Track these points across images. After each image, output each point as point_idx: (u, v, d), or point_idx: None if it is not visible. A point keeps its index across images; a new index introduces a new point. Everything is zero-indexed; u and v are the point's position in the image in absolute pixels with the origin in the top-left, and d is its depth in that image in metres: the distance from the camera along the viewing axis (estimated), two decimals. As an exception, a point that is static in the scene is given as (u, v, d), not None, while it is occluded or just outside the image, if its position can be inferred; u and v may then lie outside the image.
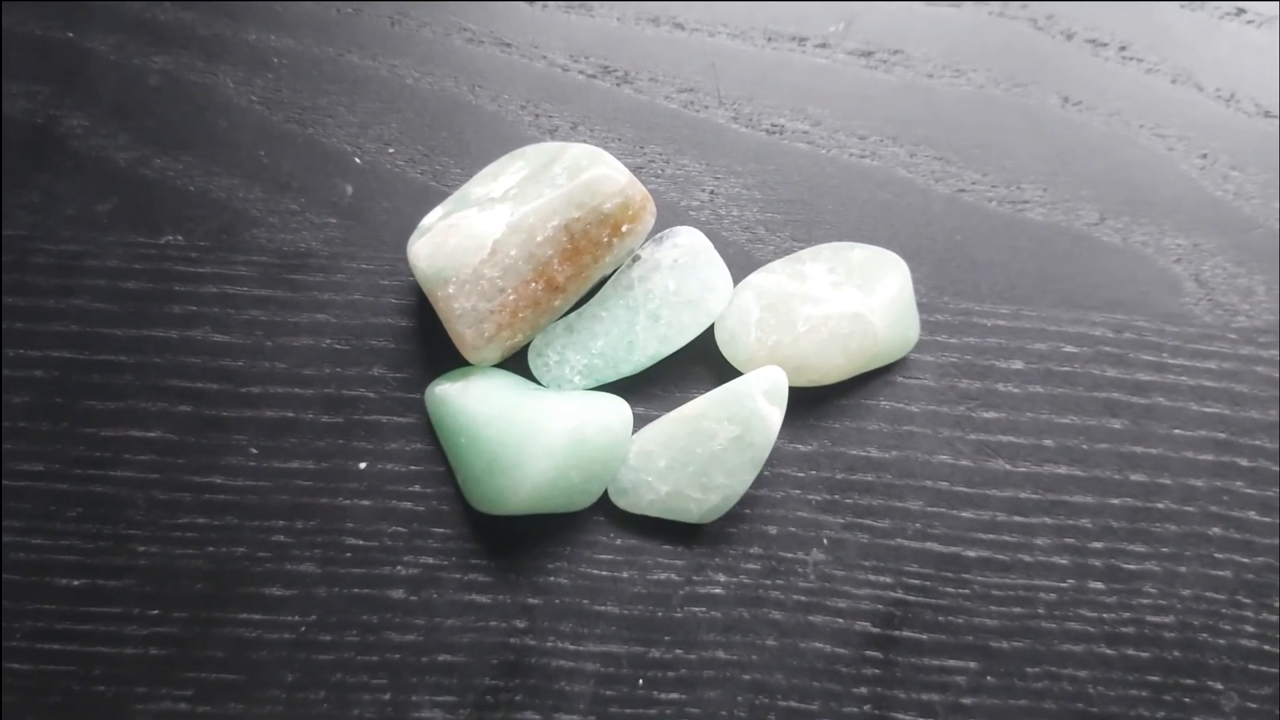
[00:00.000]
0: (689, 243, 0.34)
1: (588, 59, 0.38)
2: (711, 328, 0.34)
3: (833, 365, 0.33)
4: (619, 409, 0.33)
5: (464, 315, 0.32)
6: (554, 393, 0.33)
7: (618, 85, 0.37)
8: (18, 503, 0.32)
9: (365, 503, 0.33)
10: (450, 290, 0.32)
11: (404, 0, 0.38)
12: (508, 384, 0.33)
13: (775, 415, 0.32)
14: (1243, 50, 0.39)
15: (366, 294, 0.35)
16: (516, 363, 0.33)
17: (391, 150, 0.36)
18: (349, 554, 0.32)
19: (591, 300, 0.34)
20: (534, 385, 0.34)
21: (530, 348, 0.34)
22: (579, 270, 0.33)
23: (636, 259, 0.34)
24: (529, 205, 0.32)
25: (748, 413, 0.32)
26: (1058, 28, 0.38)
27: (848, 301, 0.33)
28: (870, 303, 0.34)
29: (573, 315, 0.34)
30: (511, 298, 0.32)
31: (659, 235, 0.35)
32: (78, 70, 0.36)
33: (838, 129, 0.37)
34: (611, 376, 0.34)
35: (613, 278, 0.34)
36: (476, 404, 0.32)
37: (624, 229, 0.33)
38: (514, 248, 0.32)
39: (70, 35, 0.37)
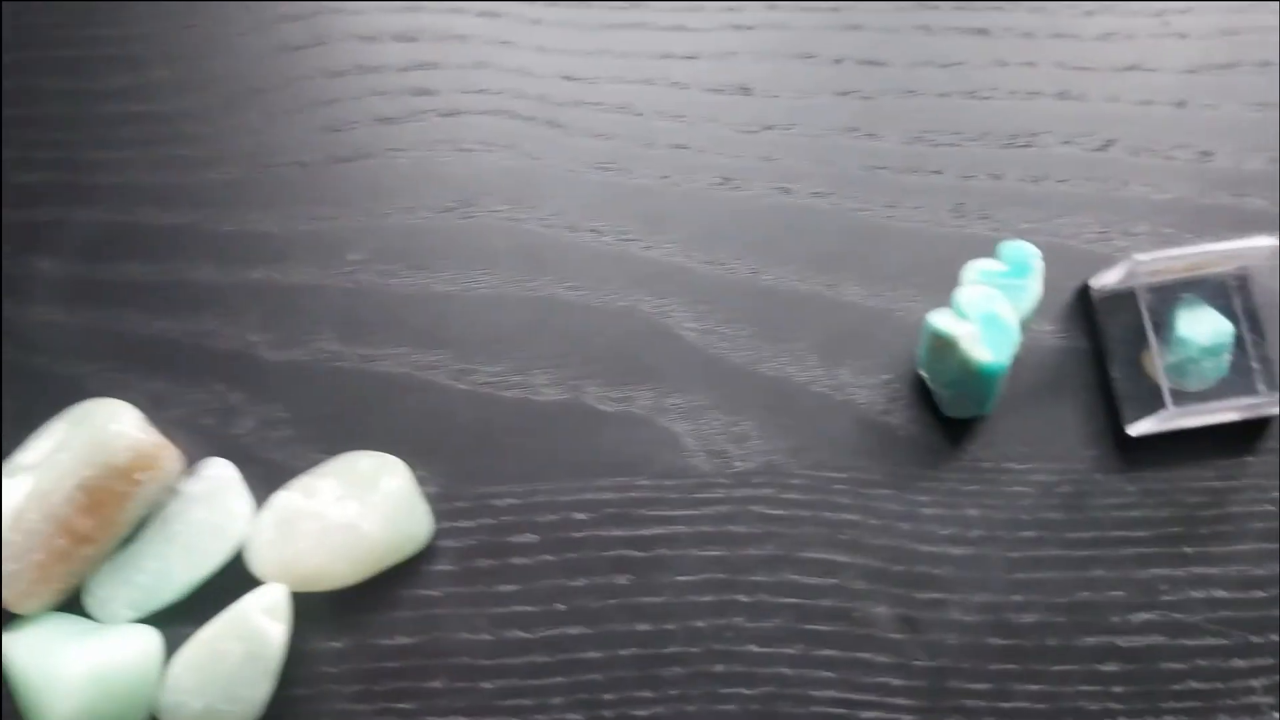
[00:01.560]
0: (217, 474, 0.41)
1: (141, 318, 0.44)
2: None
3: (339, 571, 0.39)
4: (146, 640, 0.38)
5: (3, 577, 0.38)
6: (90, 633, 0.38)
7: (170, 339, 0.43)
8: None
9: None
10: (-13, 559, 0.38)
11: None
12: (54, 628, 0.39)
13: (277, 629, 0.38)
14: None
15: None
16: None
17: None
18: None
19: (136, 536, 0.40)
20: (87, 623, 0.39)
21: (84, 587, 0.40)
22: (104, 520, 0.39)
23: (174, 493, 0.40)
24: (48, 471, 0.38)
25: (252, 630, 0.38)
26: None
27: (345, 513, 0.39)
28: (365, 510, 0.39)
29: (119, 552, 0.40)
30: (39, 557, 0.38)
31: (194, 468, 0.40)
32: None
33: (361, 344, 0.43)
34: (157, 605, 0.40)
35: (152, 513, 0.40)
36: (20, 651, 0.38)
37: (140, 477, 0.39)
38: (33, 513, 0.38)
39: None
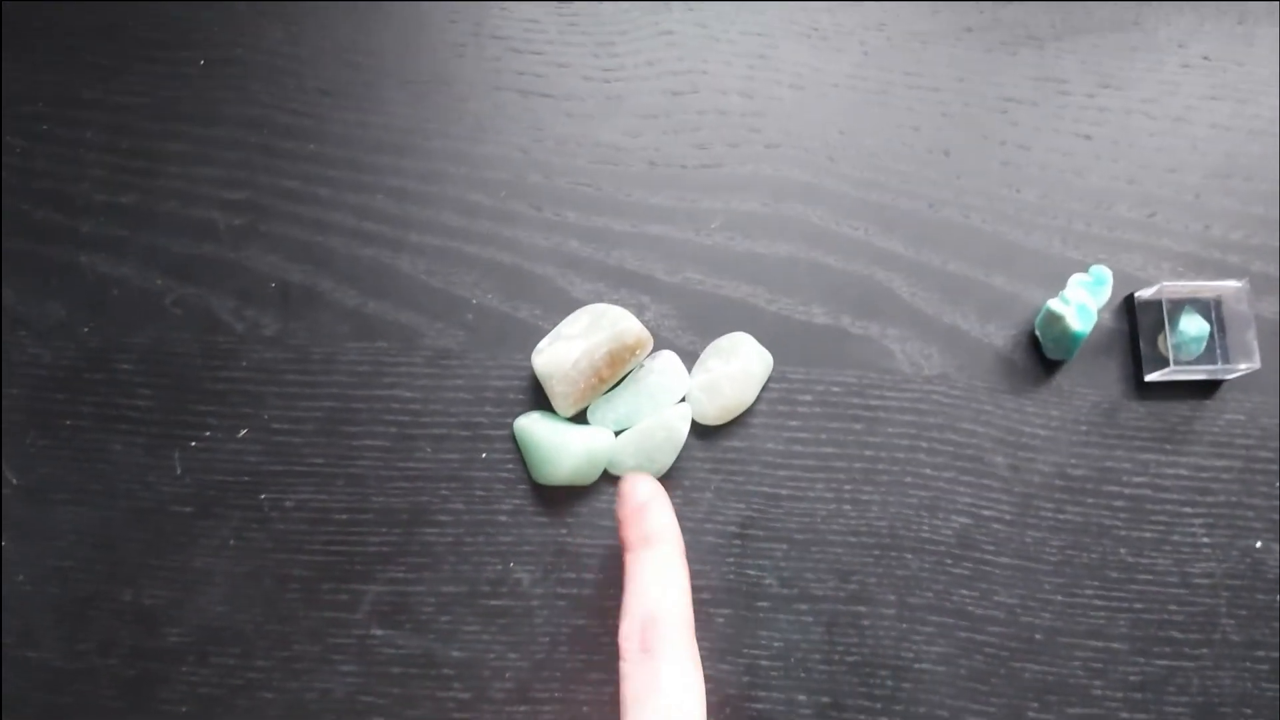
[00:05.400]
0: (667, 358, 0.77)
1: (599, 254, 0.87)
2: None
3: (744, 399, 0.76)
4: (606, 436, 0.76)
5: (558, 394, 0.74)
6: (586, 430, 0.76)
7: (625, 272, 0.86)
8: None
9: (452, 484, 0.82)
10: (553, 382, 0.75)
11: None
12: (543, 422, 0.78)
13: (682, 427, 0.77)
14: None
15: (498, 380, 0.84)
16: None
17: (492, 298, 0.84)
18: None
19: (621, 384, 0.77)
20: (571, 425, 0.77)
21: (590, 408, 0.77)
22: (614, 371, 0.74)
23: (642, 366, 0.78)
24: (591, 340, 0.74)
25: (670, 424, 0.77)
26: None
27: (734, 368, 0.77)
28: (744, 362, 0.76)
29: (611, 392, 0.76)
30: (581, 385, 0.74)
31: (654, 354, 0.78)
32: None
33: (715, 278, 0.87)
34: (629, 425, 0.77)
35: (632, 373, 0.78)
36: (533, 431, 0.76)
37: (637, 352, 0.75)
38: (584, 362, 0.74)
39: None
